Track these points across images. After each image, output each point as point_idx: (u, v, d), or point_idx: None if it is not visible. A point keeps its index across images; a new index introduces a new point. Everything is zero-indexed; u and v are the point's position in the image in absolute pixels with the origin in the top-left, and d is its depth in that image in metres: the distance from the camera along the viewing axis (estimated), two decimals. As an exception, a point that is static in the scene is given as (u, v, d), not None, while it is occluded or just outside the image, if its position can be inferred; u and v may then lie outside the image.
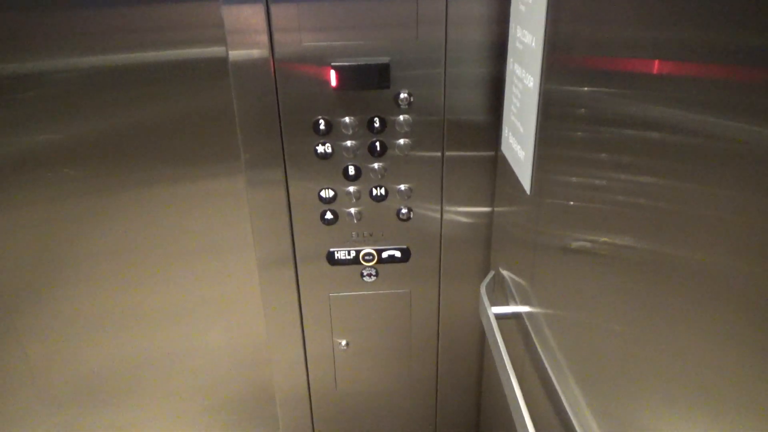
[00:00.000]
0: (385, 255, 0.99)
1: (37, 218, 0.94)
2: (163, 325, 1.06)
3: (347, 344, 1.08)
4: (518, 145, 0.74)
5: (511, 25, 0.75)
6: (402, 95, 0.86)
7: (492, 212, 0.97)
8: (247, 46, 0.82)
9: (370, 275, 1.01)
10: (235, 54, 0.83)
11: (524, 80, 0.69)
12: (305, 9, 0.80)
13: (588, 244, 0.55)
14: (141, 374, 1.10)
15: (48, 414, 1.12)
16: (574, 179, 0.58)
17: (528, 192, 0.71)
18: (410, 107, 0.87)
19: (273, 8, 0.80)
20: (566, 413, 0.61)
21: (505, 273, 0.88)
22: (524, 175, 0.72)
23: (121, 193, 0.93)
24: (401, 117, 0.88)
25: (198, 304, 1.04)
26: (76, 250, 0.97)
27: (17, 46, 0.81)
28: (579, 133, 0.56)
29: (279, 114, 0.87)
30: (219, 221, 0.97)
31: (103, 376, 1.10)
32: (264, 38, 0.82)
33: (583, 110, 0.55)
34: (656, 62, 0.42)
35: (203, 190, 0.94)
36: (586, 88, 0.54)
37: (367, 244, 0.99)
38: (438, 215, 0.97)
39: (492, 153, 0.92)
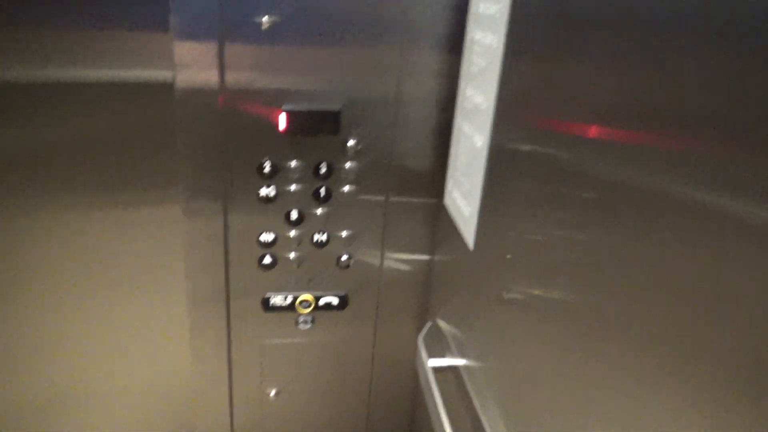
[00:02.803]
0: (322, 302, 0.98)
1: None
2: (82, 356, 0.98)
3: (277, 393, 1.05)
4: (463, 200, 0.76)
5: (461, 84, 0.78)
6: (350, 143, 0.86)
7: (432, 260, 0.98)
8: (195, 82, 0.81)
9: (305, 322, 0.99)
10: (183, 87, 0.81)
11: (472, 139, 0.71)
12: (259, 51, 0.80)
13: (527, 298, 0.57)
14: (55, 408, 1.02)
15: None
16: (516, 235, 0.59)
17: (471, 248, 0.72)
18: (358, 154, 0.88)
19: (227, 48, 0.79)
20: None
21: (442, 324, 0.89)
22: (468, 231, 0.73)
23: (44, 214, 0.87)
24: (348, 164, 0.88)
25: (122, 336, 0.98)
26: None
27: None
28: (523, 191, 0.58)
29: (223, 153, 0.85)
30: (151, 251, 0.93)
31: (14, 409, 1.00)
32: (215, 76, 0.81)
33: (528, 168, 0.57)
34: (595, 126, 0.45)
35: (136, 217, 0.90)
36: (530, 147, 0.57)
37: (305, 291, 0.97)
38: (378, 261, 0.97)
39: (435, 200, 0.93)
